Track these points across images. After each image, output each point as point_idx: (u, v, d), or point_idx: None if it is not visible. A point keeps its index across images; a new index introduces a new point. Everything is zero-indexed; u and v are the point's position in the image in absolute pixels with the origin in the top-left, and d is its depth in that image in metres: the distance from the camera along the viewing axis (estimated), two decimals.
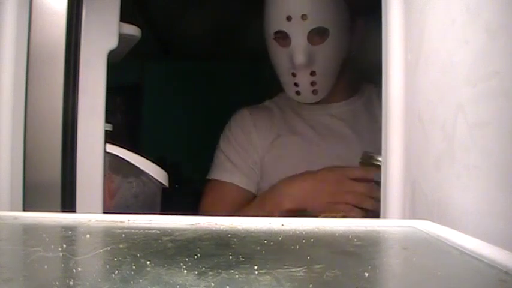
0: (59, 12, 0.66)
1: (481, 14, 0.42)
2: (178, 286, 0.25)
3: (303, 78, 0.97)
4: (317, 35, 0.95)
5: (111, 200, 0.83)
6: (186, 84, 2.91)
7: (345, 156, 0.99)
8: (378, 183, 0.85)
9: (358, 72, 1.11)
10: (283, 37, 0.96)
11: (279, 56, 0.99)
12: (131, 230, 0.40)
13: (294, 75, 0.98)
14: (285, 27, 0.94)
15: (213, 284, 0.26)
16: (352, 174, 0.89)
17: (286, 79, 1.00)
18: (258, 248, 0.36)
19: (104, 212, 0.72)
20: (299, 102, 1.05)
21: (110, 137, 0.74)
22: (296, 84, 0.99)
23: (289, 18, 0.94)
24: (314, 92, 0.99)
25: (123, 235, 0.38)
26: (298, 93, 1.00)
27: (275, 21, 0.96)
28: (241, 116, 1.12)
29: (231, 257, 0.32)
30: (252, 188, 1.05)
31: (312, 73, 0.97)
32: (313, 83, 0.98)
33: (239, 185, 1.05)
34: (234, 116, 1.13)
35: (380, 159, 0.85)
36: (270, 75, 1.10)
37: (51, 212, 0.47)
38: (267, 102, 1.16)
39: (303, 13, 0.93)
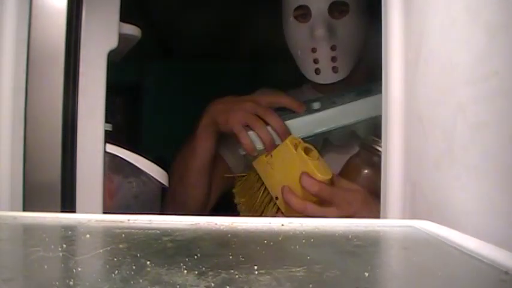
0: (59, 12, 0.66)
1: (481, 14, 0.42)
2: (178, 286, 0.25)
3: (323, 53, 0.97)
4: (337, 9, 0.95)
5: (111, 200, 0.83)
6: (186, 84, 2.91)
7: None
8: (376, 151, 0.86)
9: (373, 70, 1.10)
10: (303, 13, 0.97)
11: (298, 32, 0.98)
12: (131, 230, 0.40)
13: (313, 50, 0.97)
14: (305, 0, 0.95)
15: (213, 284, 0.26)
16: (262, 100, 0.93)
17: (305, 56, 0.99)
18: (258, 248, 0.36)
19: (104, 212, 0.72)
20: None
21: (110, 137, 0.74)
22: (316, 61, 0.97)
23: None
24: (334, 69, 0.98)
25: (123, 235, 0.38)
26: (317, 71, 0.98)
27: None
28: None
29: (231, 257, 0.32)
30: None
31: (333, 47, 0.96)
32: (333, 59, 0.97)
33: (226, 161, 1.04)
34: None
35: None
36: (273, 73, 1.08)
37: (51, 212, 0.47)
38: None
39: None
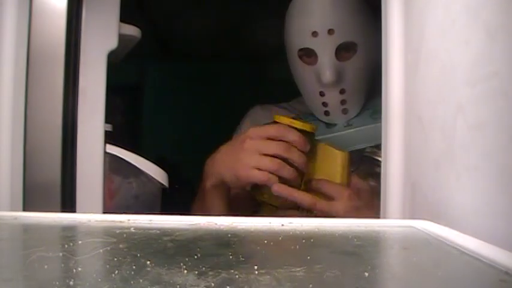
0: (59, 12, 0.66)
1: (480, 14, 0.42)
2: (178, 286, 0.25)
3: (332, 97, 0.91)
4: (344, 50, 0.89)
5: (111, 201, 0.83)
6: (186, 84, 2.91)
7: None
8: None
9: None
10: (308, 54, 0.90)
11: (305, 74, 0.92)
12: (131, 230, 0.40)
13: (322, 94, 0.92)
14: (311, 43, 0.88)
15: (213, 284, 0.26)
16: (268, 132, 0.79)
17: (313, 99, 0.94)
18: (258, 248, 0.36)
19: (104, 212, 0.72)
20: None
21: (110, 138, 0.74)
22: (325, 104, 0.92)
23: (315, 34, 0.87)
24: (344, 111, 0.93)
25: (123, 235, 0.38)
26: (327, 113, 0.94)
27: (299, 37, 0.90)
28: (253, 112, 1.08)
29: (231, 257, 0.32)
30: None
31: (342, 91, 0.91)
32: (343, 102, 0.92)
33: None
34: (247, 113, 1.08)
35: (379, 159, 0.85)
36: (273, 76, 1.05)
37: (51, 212, 0.47)
38: (283, 104, 1.09)
39: (329, 27, 0.87)
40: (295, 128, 0.79)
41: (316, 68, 0.89)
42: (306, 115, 0.99)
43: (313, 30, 0.87)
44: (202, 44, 2.41)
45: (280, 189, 0.78)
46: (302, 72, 0.93)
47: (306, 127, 0.80)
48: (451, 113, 0.46)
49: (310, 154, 0.81)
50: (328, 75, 0.87)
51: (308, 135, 0.80)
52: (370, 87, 0.95)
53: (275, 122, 0.82)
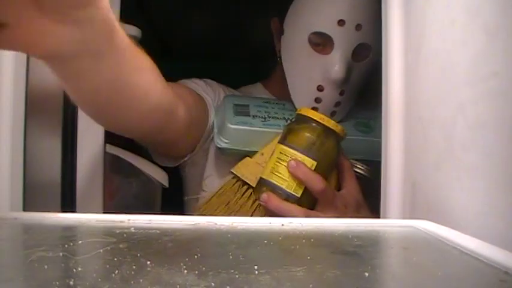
0: None
1: (480, 14, 0.42)
2: (178, 286, 0.25)
3: (330, 96, 0.83)
4: (360, 51, 0.81)
5: (111, 200, 0.83)
6: None
7: None
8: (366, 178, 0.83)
9: None
10: (322, 42, 0.81)
11: (309, 61, 0.83)
12: (131, 229, 0.40)
13: (320, 89, 0.83)
14: (333, 31, 0.79)
15: (213, 284, 0.26)
16: None
17: (306, 90, 0.84)
18: (258, 248, 0.36)
19: (104, 212, 0.72)
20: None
21: (110, 138, 0.74)
22: (317, 100, 0.83)
23: (341, 23, 0.78)
24: (333, 113, 0.85)
25: (124, 235, 0.38)
26: (315, 109, 0.83)
27: (321, 21, 0.80)
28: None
29: (231, 257, 0.32)
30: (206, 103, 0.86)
31: (341, 92, 0.83)
32: (337, 104, 0.84)
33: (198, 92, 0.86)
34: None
35: (361, 168, 0.84)
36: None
37: (51, 212, 0.47)
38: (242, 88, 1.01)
39: (358, 22, 0.79)
40: (326, 127, 0.75)
41: (327, 58, 0.80)
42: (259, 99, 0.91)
43: (341, 18, 0.78)
44: (202, 44, 2.41)
45: (268, 201, 0.72)
46: (306, 58, 0.83)
47: (338, 129, 0.75)
48: (451, 113, 0.46)
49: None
50: (340, 71, 0.79)
51: (338, 137, 0.76)
52: (360, 97, 0.90)
53: (300, 115, 0.77)
